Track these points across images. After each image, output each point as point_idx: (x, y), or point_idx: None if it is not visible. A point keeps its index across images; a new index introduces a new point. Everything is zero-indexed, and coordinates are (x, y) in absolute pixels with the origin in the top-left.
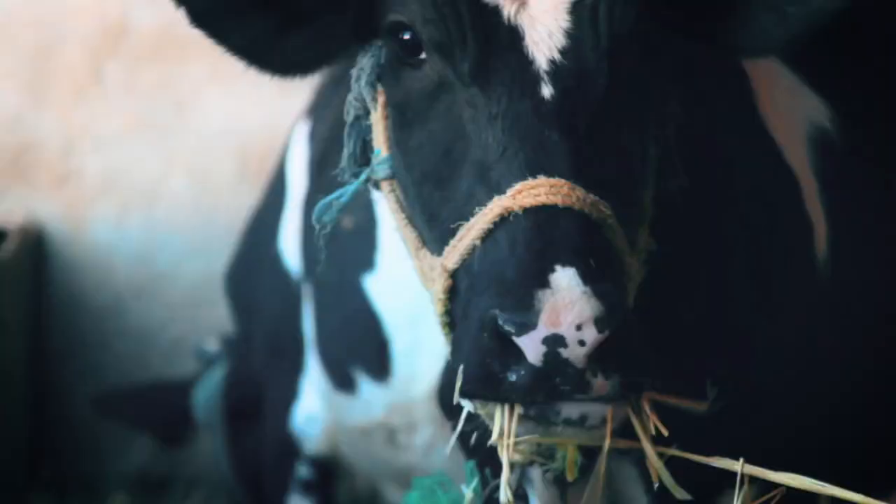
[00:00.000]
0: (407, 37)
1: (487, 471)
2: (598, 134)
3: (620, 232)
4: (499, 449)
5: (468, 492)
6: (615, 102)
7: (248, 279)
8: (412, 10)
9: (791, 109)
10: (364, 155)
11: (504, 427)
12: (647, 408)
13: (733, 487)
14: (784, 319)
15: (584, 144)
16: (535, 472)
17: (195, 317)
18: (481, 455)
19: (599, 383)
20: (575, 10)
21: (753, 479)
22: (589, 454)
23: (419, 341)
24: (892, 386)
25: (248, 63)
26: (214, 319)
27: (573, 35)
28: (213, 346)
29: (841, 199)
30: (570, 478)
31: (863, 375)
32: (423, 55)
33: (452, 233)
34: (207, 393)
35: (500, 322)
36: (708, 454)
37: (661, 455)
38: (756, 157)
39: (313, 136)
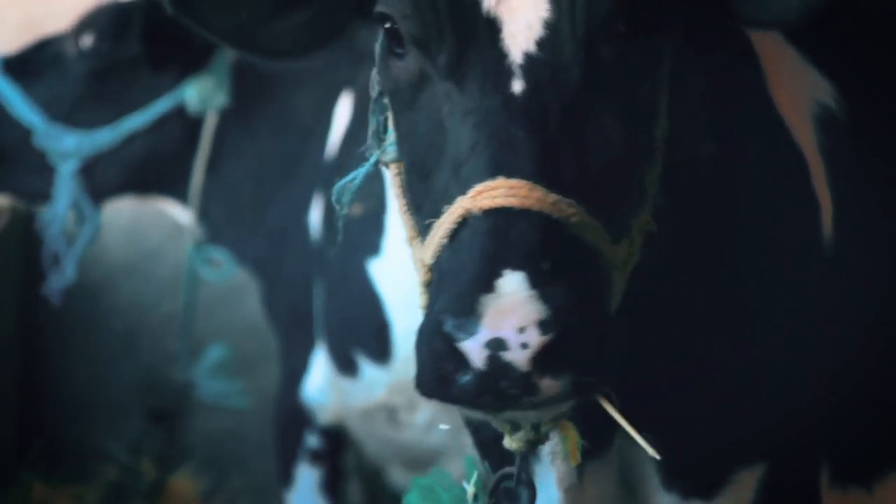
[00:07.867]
0: (390, 27)
1: (486, 464)
2: (573, 127)
3: (594, 226)
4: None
5: (470, 487)
6: (596, 92)
7: (277, 246)
8: (393, 3)
9: (797, 88)
10: (382, 134)
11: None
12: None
13: (745, 469)
14: (790, 298)
15: (552, 140)
16: (549, 449)
17: None
18: (489, 446)
19: (547, 384)
20: None
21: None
22: (592, 438)
23: (417, 323)
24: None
25: (231, 48)
26: (206, 297)
27: (551, 25)
28: None
29: (846, 178)
30: (573, 463)
31: (867, 354)
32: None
33: (427, 228)
34: None
35: (446, 327)
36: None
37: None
38: (765, 136)
39: (355, 107)
